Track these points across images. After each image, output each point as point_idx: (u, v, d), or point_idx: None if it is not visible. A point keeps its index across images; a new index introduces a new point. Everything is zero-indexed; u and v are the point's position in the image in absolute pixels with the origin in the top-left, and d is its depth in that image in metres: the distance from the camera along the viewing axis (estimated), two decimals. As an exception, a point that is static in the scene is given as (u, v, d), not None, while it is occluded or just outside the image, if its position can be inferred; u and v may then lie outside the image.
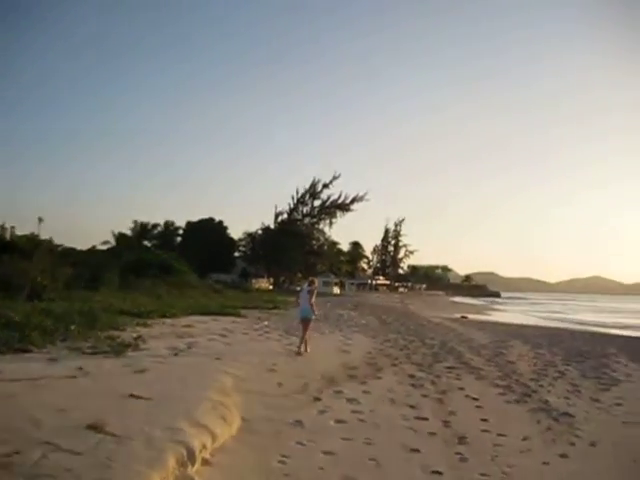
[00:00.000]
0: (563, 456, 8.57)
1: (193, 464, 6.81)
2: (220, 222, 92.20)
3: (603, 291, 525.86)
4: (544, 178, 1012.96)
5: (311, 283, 18.31)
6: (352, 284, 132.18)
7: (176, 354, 14.48)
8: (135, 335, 16.92)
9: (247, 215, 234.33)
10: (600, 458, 8.73)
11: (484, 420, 10.40)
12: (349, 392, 12.06)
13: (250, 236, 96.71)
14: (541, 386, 14.28)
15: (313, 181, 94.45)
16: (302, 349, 17.14)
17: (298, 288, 31.07)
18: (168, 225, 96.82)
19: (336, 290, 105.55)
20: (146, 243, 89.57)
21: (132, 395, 9.28)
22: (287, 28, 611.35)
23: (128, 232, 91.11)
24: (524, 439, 9.34)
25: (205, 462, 7.09)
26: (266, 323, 26.15)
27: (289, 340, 19.74)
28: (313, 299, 17.62)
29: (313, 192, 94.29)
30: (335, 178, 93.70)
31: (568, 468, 8.11)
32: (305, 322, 17.43)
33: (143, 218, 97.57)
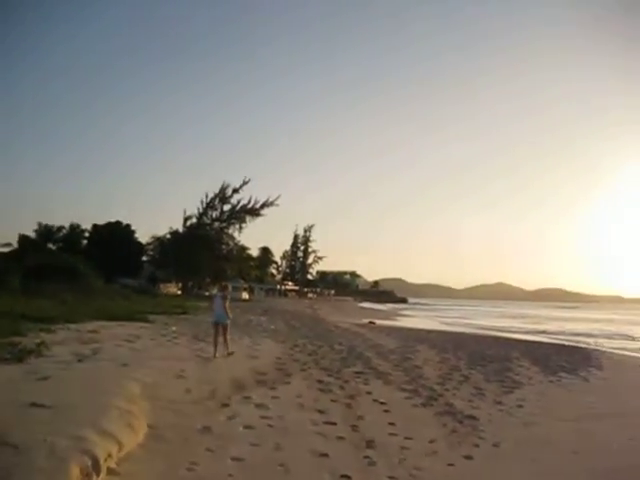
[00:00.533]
0: (468, 457, 8.79)
1: (98, 474, 6.62)
2: (127, 225, 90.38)
3: (507, 297, 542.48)
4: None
5: (224, 288, 18.56)
6: (261, 289, 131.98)
7: (81, 360, 14.02)
8: (38, 341, 16.30)
9: (156, 219, 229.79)
10: (503, 458, 9.00)
11: (392, 424, 10.54)
12: (258, 398, 12.01)
13: (158, 240, 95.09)
14: (446, 390, 14.60)
15: (222, 185, 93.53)
16: (224, 351, 17.42)
17: (207, 293, 30.82)
18: (74, 228, 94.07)
19: (245, 295, 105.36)
20: (51, 246, 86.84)
21: (34, 404, 8.93)
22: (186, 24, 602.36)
23: (32, 234, 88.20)
24: (430, 442, 9.52)
25: (111, 471, 6.92)
26: (174, 329, 25.71)
27: (198, 346, 19.49)
28: (227, 304, 17.83)
29: (222, 196, 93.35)
30: (245, 183, 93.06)
31: (472, 469, 8.32)
32: (221, 326, 17.69)
33: (48, 220, 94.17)
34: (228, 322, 18.03)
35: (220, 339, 17.65)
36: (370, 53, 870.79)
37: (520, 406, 13.15)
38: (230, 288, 19.38)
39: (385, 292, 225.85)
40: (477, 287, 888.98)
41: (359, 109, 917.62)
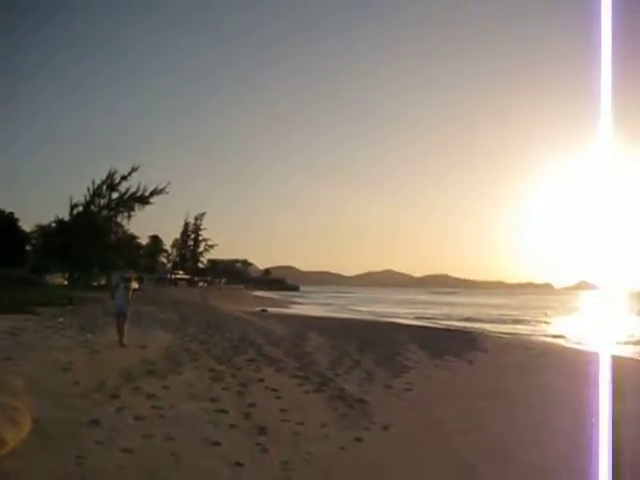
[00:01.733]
0: (358, 440, 8.93)
1: (-22, 471, 6.36)
2: (11, 214, 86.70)
3: (396, 284, 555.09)
4: (341, 178, 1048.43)
5: (128, 280, 19.11)
6: (151, 279, 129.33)
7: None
8: None
9: (41, 207, 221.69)
10: (392, 440, 9.20)
11: (284, 410, 10.58)
12: (148, 388, 11.79)
13: (43, 229, 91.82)
14: (337, 375, 14.80)
15: (110, 172, 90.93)
16: (124, 341, 17.71)
17: (95, 284, 30.32)
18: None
19: (135, 285, 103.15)
20: None
21: None
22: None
23: None
24: (322, 426, 9.62)
25: (-7, 469, 6.65)
26: (61, 320, 24.95)
27: (85, 337, 19.02)
28: (130, 294, 18.37)
29: (111, 184, 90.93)
30: (134, 170, 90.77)
31: (363, 451, 8.47)
32: (122, 316, 18.03)
33: None
34: (129, 312, 18.32)
35: (122, 328, 17.93)
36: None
37: (408, 389, 13.48)
38: (134, 279, 19.85)
39: (277, 280, 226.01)
40: (366, 274, 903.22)
41: (249, 93, 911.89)
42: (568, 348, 29.64)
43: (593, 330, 43.58)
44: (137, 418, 9.41)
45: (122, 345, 17.53)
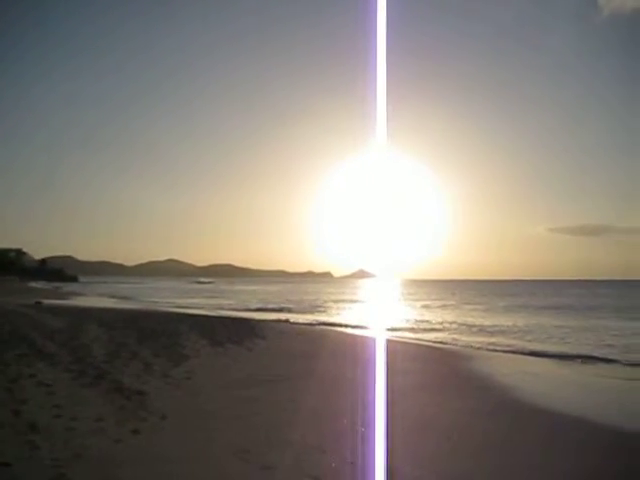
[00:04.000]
0: (135, 432, 8.87)
1: None
2: None
3: (179, 273, 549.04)
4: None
5: None
6: None
7: None
8: None
9: None
10: (169, 430, 9.23)
11: (57, 406, 10.22)
12: None
13: None
14: (115, 367, 14.52)
15: None
16: None
17: None
18: None
19: None
20: None
21: None
22: None
23: None
24: (97, 420, 9.42)
25: None
26: None
27: None
28: None
29: None
30: None
31: (139, 443, 8.43)
32: None
33: None
34: None
35: None
36: None
37: (188, 378, 13.56)
38: None
39: (54, 270, 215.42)
40: (148, 264, 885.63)
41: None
42: (343, 333, 31.19)
43: (368, 316, 46.18)
44: None
45: None
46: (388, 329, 34.19)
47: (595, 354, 24.72)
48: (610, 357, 23.86)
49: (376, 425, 6.10)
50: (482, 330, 37.46)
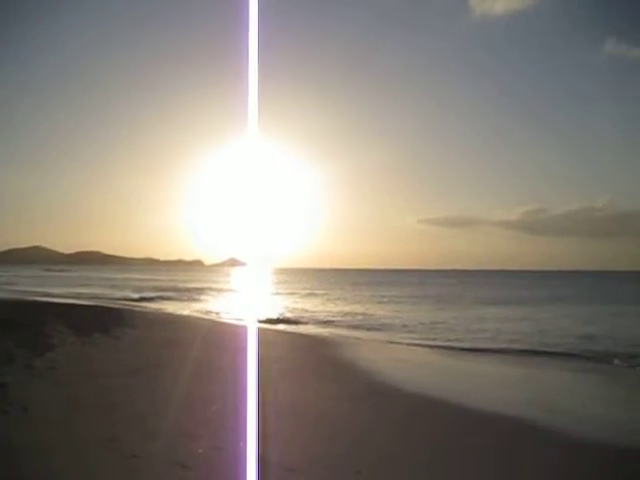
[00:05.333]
0: (-5, 425, 8.61)
1: None
2: None
3: (45, 261, 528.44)
4: None
5: None
6: None
7: None
8: None
9: None
10: (31, 421, 8.99)
11: None
12: None
13: None
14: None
15: None
16: None
17: None
18: None
19: None
20: None
21: None
22: None
23: None
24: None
25: None
26: None
27: None
28: None
29: None
30: None
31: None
32: None
33: None
34: None
35: None
36: None
37: (52, 368, 13.19)
38: None
39: None
40: (10, 252, 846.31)
41: None
42: (214, 321, 31.14)
43: (238, 304, 46.29)
44: None
45: None
46: (259, 318, 34.41)
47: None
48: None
49: (248, 411, 6.17)
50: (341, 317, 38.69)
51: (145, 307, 41.72)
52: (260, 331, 23.97)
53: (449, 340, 26.53)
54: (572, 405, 13.27)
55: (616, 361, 20.48)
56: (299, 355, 19.21)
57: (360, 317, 39.22)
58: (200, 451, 7.80)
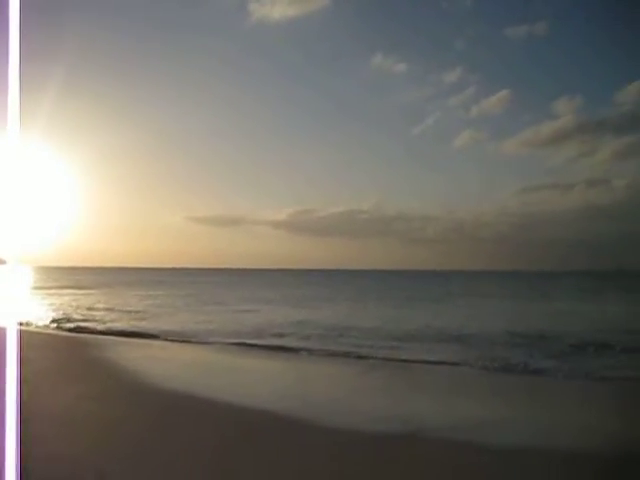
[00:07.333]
0: None
1: None
2: None
3: None
4: None
5: None
6: None
7: None
8: None
9: None
10: None
11: None
12: None
13: None
14: None
15: None
16: None
17: None
18: None
19: None
20: None
21: None
22: None
23: None
24: None
25: None
26: None
27: None
28: None
29: None
30: None
31: None
32: None
33: None
34: None
35: None
36: None
37: None
38: None
39: None
40: None
41: None
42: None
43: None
44: None
45: None
46: (20, 317, 33.02)
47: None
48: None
49: (7, 415, 6.52)
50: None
51: None
52: (21, 333, 23.74)
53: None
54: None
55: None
56: (59, 356, 19.62)
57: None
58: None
